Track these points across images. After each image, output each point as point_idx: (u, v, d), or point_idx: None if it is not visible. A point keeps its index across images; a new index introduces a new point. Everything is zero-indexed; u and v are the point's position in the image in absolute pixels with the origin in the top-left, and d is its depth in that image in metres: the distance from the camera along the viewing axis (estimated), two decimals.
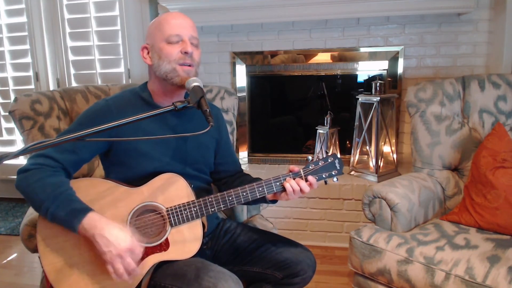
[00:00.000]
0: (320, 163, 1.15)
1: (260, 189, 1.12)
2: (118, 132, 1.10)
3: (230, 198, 1.12)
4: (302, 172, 1.13)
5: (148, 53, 1.17)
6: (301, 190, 1.10)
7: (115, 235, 0.98)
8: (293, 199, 1.12)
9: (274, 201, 1.20)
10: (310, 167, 1.14)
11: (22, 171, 1.05)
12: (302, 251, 1.21)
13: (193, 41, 1.14)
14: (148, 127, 1.15)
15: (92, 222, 0.98)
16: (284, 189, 1.12)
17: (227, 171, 1.37)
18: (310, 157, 1.15)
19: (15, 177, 1.06)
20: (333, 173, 1.16)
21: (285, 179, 1.11)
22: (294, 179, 1.11)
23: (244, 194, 1.12)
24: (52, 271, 1.04)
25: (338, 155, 1.21)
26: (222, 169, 1.36)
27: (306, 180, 1.11)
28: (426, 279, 1.29)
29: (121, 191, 1.10)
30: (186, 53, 1.11)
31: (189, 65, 1.13)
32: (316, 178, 1.13)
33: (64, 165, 1.08)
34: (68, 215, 0.99)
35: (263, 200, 1.18)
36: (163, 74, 1.13)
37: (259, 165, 2.69)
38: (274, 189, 1.12)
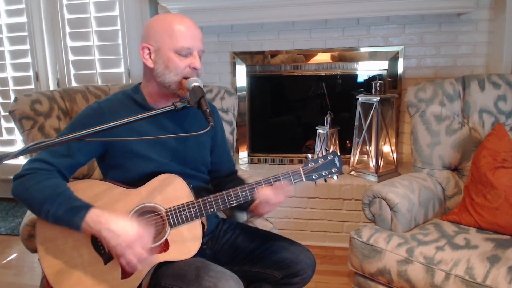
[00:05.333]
0: (319, 161, 1.15)
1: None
2: (113, 135, 1.08)
3: (229, 198, 1.12)
4: (301, 171, 1.13)
5: (149, 53, 1.13)
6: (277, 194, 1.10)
7: (121, 227, 0.97)
8: (273, 207, 1.13)
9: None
10: (310, 165, 1.14)
11: (17, 177, 1.04)
12: (302, 251, 1.21)
13: (200, 54, 1.14)
14: (143, 129, 1.14)
15: (95, 218, 0.98)
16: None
17: (222, 170, 1.36)
18: (309, 155, 1.15)
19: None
20: (333, 170, 1.16)
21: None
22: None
23: (243, 194, 1.12)
24: (52, 273, 1.03)
25: (338, 153, 1.21)
26: (216, 168, 1.35)
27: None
28: (426, 279, 1.29)
29: (119, 193, 1.10)
30: (194, 68, 1.10)
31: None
32: (316, 177, 1.14)
33: (59, 168, 1.07)
34: (69, 214, 0.98)
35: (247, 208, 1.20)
36: (166, 83, 1.11)
37: (259, 165, 2.69)
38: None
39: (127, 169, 1.14)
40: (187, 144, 1.22)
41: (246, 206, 1.21)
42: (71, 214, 0.98)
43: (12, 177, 1.05)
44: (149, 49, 1.13)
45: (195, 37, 1.11)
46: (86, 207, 1.00)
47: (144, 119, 0.92)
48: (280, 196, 1.12)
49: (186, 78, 1.10)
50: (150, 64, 1.13)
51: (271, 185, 1.12)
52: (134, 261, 0.96)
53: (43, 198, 0.99)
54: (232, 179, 1.36)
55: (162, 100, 1.18)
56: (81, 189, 1.06)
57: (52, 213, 0.99)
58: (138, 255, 0.97)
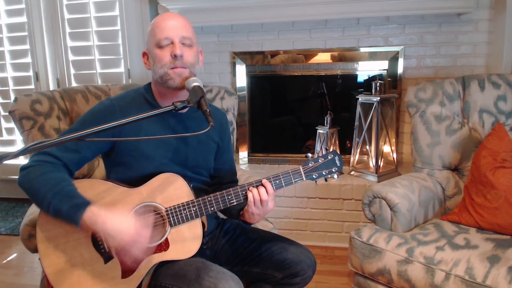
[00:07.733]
0: (320, 160, 1.16)
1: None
2: (121, 132, 1.10)
3: (229, 197, 1.12)
4: (301, 170, 1.14)
5: (147, 58, 1.18)
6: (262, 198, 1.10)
7: (118, 229, 0.98)
8: (260, 213, 1.13)
9: (247, 223, 1.22)
10: (310, 164, 1.15)
11: (24, 168, 1.06)
12: (302, 251, 1.21)
13: (184, 42, 1.12)
14: (150, 128, 1.15)
15: (92, 217, 0.98)
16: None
17: (221, 177, 1.36)
18: (310, 155, 1.16)
19: (15, 177, 1.06)
20: (333, 170, 1.16)
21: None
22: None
23: (244, 193, 1.12)
24: (52, 272, 1.04)
25: (338, 152, 1.21)
26: (217, 175, 1.35)
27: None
28: (426, 279, 1.29)
29: (120, 192, 1.10)
30: (175, 56, 1.10)
31: (181, 67, 1.11)
32: (316, 176, 1.14)
33: (65, 163, 1.08)
34: (70, 210, 0.99)
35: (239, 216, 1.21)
36: (158, 78, 1.13)
37: (259, 165, 2.69)
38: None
39: (130, 167, 1.15)
40: (188, 146, 1.22)
41: (237, 214, 1.21)
42: (71, 211, 0.99)
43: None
44: (146, 54, 1.19)
45: (173, 26, 1.12)
46: (85, 205, 1.00)
47: (144, 118, 0.92)
48: (270, 203, 1.12)
49: (172, 68, 1.10)
50: (148, 67, 1.19)
51: (271, 183, 1.12)
52: (128, 262, 1.03)
53: (46, 190, 1.01)
54: (230, 186, 1.35)
55: (167, 100, 1.18)
56: (82, 188, 1.06)
57: (54, 206, 0.99)
58: (135, 256, 1.02)
